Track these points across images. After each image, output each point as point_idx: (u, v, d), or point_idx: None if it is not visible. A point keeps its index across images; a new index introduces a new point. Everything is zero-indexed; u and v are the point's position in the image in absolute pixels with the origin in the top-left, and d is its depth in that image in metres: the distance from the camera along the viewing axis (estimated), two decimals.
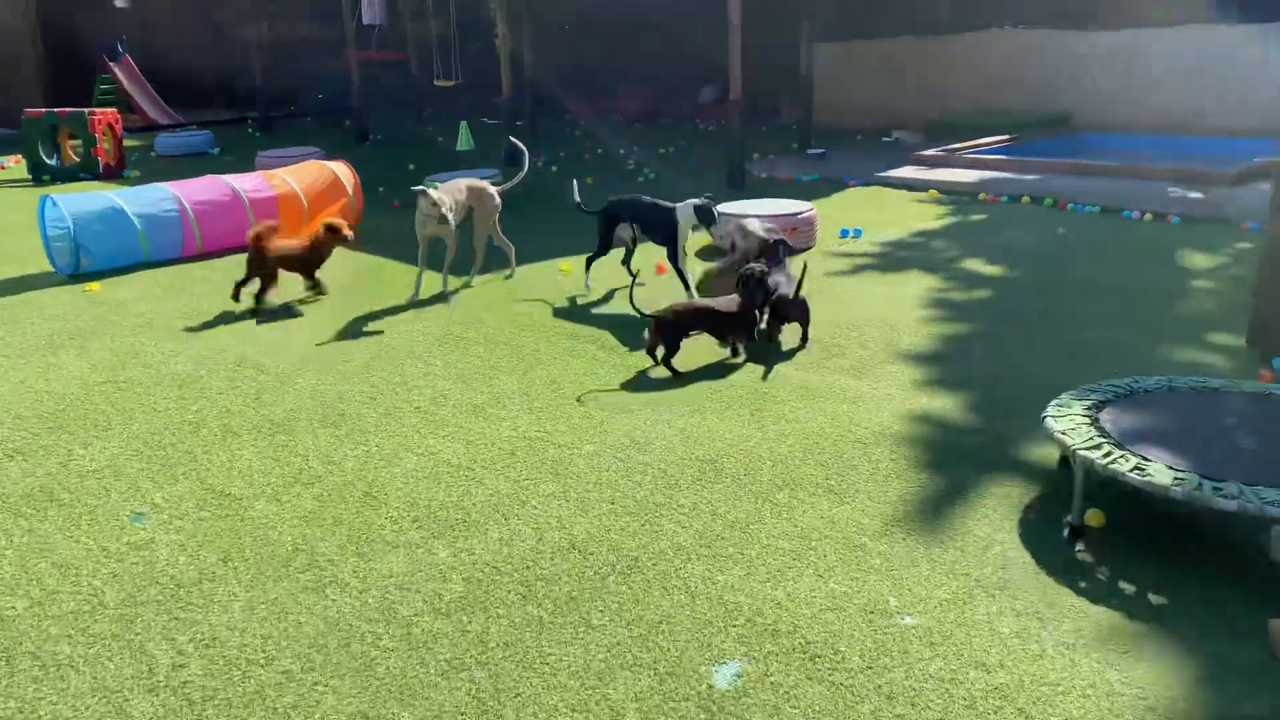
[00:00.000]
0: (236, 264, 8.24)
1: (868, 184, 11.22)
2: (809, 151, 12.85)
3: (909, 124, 14.34)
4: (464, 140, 16.14)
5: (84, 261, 7.88)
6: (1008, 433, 4.48)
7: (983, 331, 6.06)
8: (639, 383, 5.23)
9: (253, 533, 3.72)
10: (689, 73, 20.44)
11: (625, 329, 6.15)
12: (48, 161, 13.88)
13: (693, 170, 12.96)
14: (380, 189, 11.54)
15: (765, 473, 4.13)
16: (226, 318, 6.64)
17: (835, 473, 4.12)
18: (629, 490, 3.99)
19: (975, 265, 7.66)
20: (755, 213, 8.10)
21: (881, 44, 16.95)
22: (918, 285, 7.13)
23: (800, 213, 8.14)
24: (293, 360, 5.69)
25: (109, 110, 14.30)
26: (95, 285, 7.52)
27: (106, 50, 21.53)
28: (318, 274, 7.14)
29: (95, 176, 13.83)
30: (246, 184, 8.95)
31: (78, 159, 14.04)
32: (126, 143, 18.01)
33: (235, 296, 6.84)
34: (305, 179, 9.34)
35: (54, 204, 7.88)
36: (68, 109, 14.39)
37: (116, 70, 21.50)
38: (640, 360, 5.56)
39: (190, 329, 6.38)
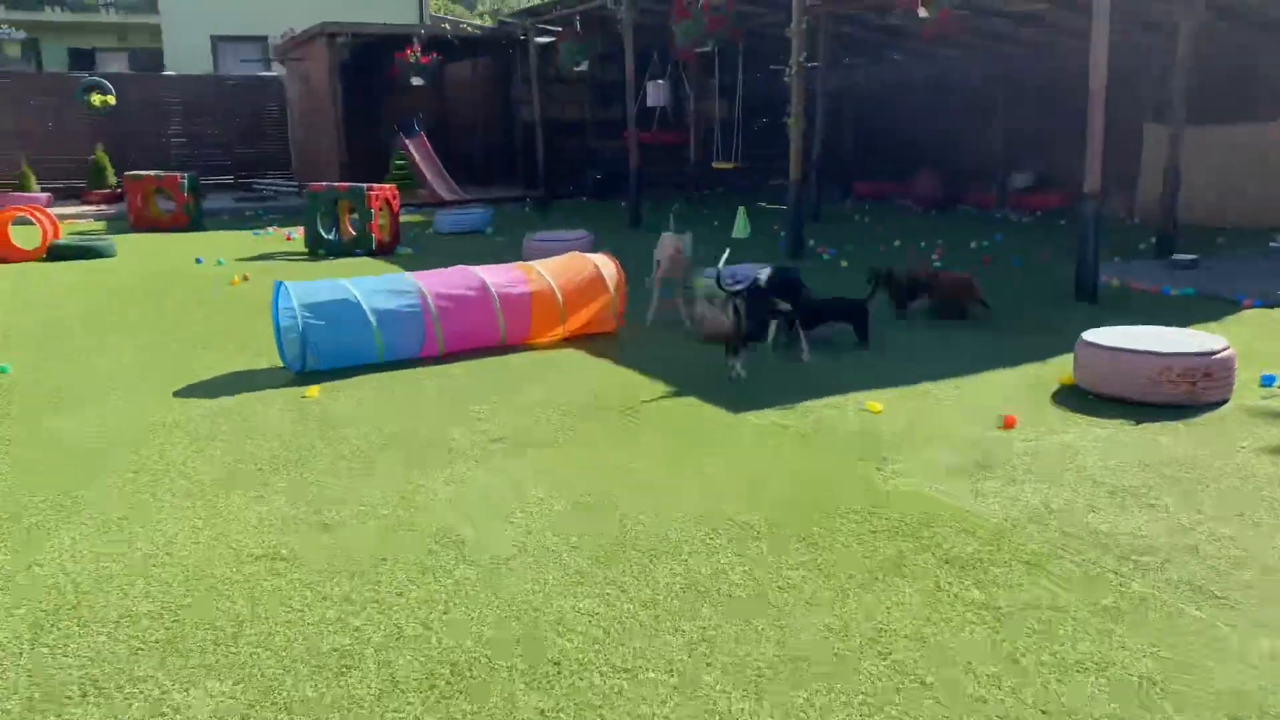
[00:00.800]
0: (479, 370, 7.02)
1: (1272, 305, 8.52)
2: (1176, 257, 10.24)
3: None
4: (741, 226, 14.71)
5: (311, 359, 6.91)
6: None
7: None
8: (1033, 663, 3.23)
9: None
10: (996, 155, 18.10)
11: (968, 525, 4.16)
12: (325, 236, 13.74)
13: (1018, 273, 10.71)
14: (645, 280, 10.18)
15: None
16: (446, 450, 5.26)
17: None
18: None
19: None
20: (1148, 347, 5.86)
21: (1252, 127, 13.93)
22: None
23: (1215, 352, 5.81)
24: (510, 542, 4.14)
25: (386, 186, 14.04)
26: (315, 390, 6.46)
27: (404, 126, 22.17)
28: None
29: (369, 253, 13.52)
30: (499, 278, 7.77)
31: (355, 234, 13.83)
32: (409, 218, 18.12)
33: None
34: (563, 273, 8.07)
35: (286, 292, 6.98)
36: (348, 183, 14.28)
37: (410, 146, 22.05)
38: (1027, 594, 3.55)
39: (398, 460, 5.04)
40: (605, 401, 6.15)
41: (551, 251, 12.71)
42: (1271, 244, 10.83)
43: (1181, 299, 8.96)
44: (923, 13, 9.81)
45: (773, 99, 24.31)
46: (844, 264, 11.54)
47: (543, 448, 5.28)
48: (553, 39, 18.80)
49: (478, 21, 22.24)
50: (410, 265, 12.23)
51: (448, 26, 21.02)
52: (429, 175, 22.01)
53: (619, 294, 8.25)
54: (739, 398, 6.13)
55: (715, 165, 17.87)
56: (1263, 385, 6.18)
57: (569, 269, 8.15)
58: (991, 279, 10.19)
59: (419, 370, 7.05)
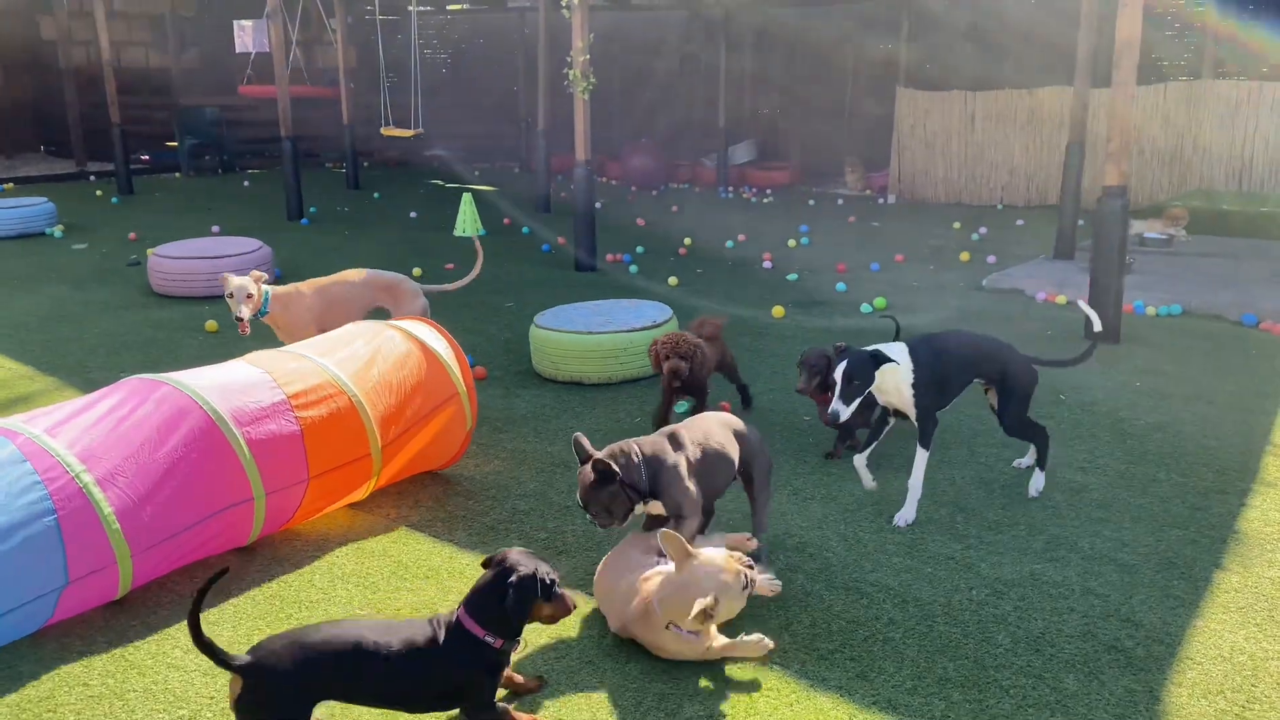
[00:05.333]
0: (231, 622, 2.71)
1: None
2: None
3: (1158, 211, 9.89)
4: (466, 221, 10.68)
5: None
6: None
7: None
8: None
9: None
10: (711, 125, 15.61)
11: None
12: None
13: (920, 288, 8.02)
14: None
15: None
16: None
17: None
18: None
19: None
20: None
21: (1044, 93, 12.64)
22: None
23: None
24: None
25: None
26: None
27: None
28: None
29: None
30: (241, 401, 3.39)
31: None
32: None
33: None
34: (368, 371, 3.84)
35: None
36: None
37: None
38: None
39: None
40: None
41: (204, 272, 7.91)
42: (1148, 234, 9.27)
43: (1185, 324, 6.77)
44: None
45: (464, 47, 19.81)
46: (672, 281, 8.16)
47: None
48: None
49: None
50: None
51: None
52: None
53: (470, 397, 4.19)
54: None
55: (385, 132, 13.42)
56: None
57: (374, 358, 3.90)
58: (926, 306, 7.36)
59: (69, 666, 2.62)
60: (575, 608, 2.56)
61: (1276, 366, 5.74)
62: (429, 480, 4.19)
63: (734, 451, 3.29)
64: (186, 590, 3.26)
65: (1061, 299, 7.37)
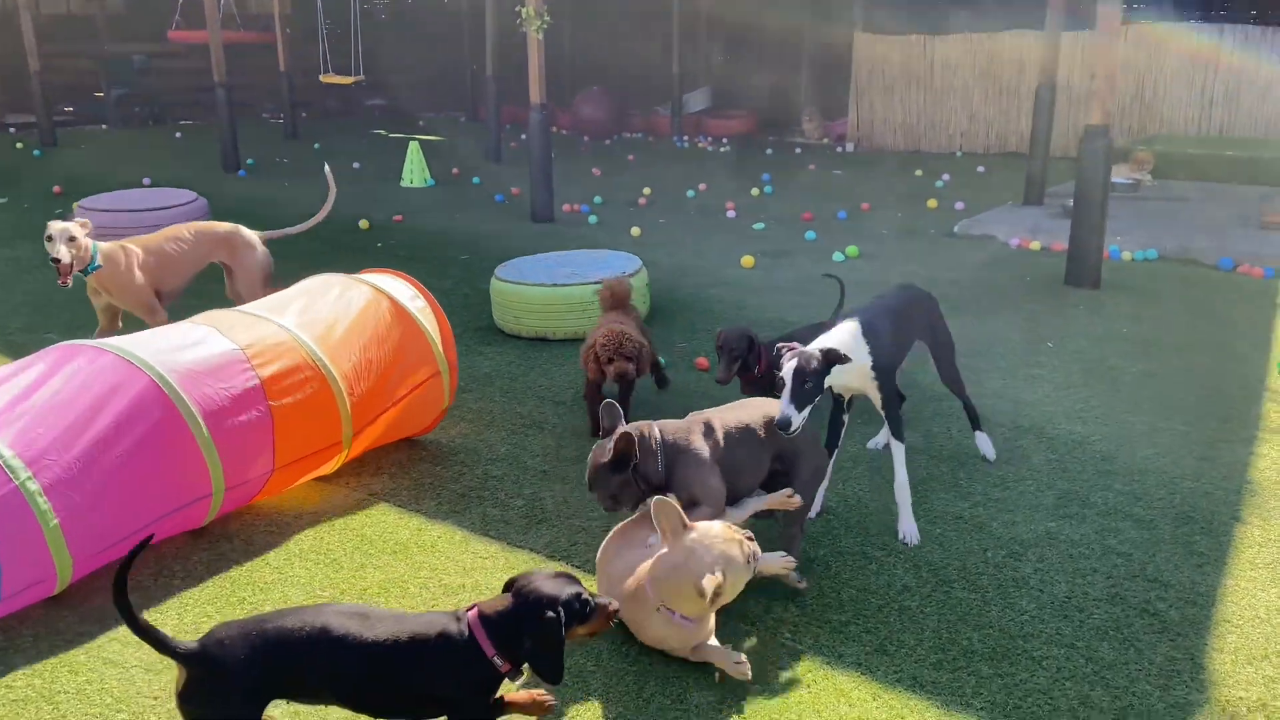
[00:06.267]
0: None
1: None
2: (1068, 203, 7.87)
3: (1124, 155, 9.76)
4: (414, 169, 10.20)
5: None
6: None
7: None
8: None
9: None
10: (664, 73, 15.17)
11: None
12: None
13: (894, 236, 7.80)
14: None
15: None
16: None
17: None
18: None
19: None
20: None
21: (995, 38, 12.38)
22: None
23: None
24: None
25: None
26: None
27: None
28: None
29: None
30: (211, 389, 3.01)
31: None
32: None
33: None
34: (349, 346, 3.48)
35: None
36: None
37: None
38: None
39: None
40: None
41: (134, 227, 7.37)
42: (1114, 179, 9.12)
43: (1162, 269, 6.63)
44: None
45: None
46: (635, 231, 7.83)
47: None
48: None
49: None
50: None
51: None
52: None
53: (450, 365, 3.85)
54: None
55: (325, 79, 12.82)
56: None
57: (357, 334, 3.54)
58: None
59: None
60: (617, 612, 2.20)
61: (1260, 310, 5.62)
62: (392, 446, 3.86)
63: (767, 449, 2.88)
64: (129, 575, 2.91)
65: (1035, 245, 7.20)
